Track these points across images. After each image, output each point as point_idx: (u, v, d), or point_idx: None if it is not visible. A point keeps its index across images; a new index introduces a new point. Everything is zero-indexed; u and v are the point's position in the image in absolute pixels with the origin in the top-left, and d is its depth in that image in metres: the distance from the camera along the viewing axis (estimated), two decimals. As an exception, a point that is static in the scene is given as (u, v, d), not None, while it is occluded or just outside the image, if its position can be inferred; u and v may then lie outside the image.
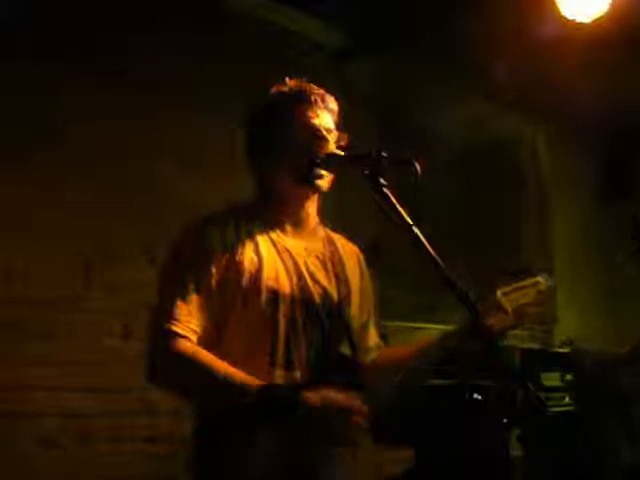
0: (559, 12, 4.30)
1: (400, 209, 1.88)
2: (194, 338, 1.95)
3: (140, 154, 3.76)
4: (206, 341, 1.98)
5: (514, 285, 2.23)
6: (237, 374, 1.91)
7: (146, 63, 3.81)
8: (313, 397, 1.87)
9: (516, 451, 3.68)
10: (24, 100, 3.43)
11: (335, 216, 2.35)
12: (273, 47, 4.26)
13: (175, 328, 1.92)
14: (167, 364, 1.94)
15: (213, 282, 1.98)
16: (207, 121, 3.94)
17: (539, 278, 2.29)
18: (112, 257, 3.62)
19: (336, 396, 1.88)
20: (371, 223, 4.59)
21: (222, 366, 1.92)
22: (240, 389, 1.89)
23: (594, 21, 4.29)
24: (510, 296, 2.20)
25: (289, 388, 1.93)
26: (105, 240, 3.60)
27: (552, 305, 5.76)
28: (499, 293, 2.19)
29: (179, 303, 1.94)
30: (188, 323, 1.94)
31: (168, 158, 3.84)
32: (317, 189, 2.12)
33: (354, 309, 2.20)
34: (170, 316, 1.93)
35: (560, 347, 4.91)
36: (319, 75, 2.27)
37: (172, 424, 3.58)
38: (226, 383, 1.90)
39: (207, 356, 1.93)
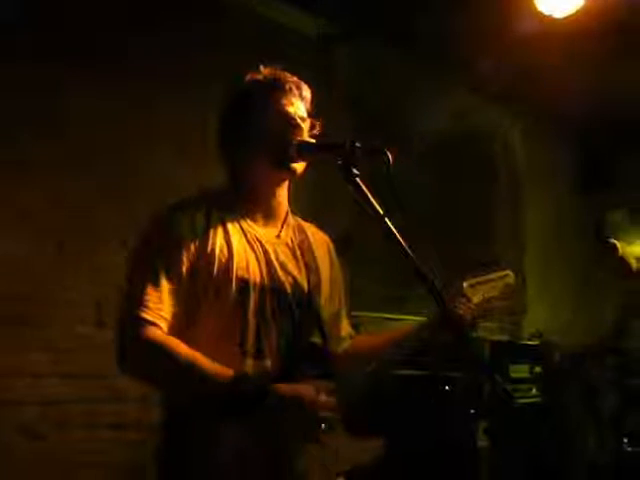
0: (536, 8, 4.33)
1: (372, 200, 1.89)
2: (164, 325, 1.93)
3: (136, 142, 3.76)
4: (176, 329, 1.97)
5: (481, 278, 2.27)
6: (208, 364, 1.90)
7: (145, 60, 3.79)
8: (283, 387, 1.89)
9: (483, 442, 3.71)
10: (24, 100, 3.41)
11: (308, 205, 2.34)
12: (261, 35, 4.26)
13: (145, 315, 1.90)
14: (136, 352, 1.92)
15: (183, 269, 1.97)
16: (204, 111, 3.93)
17: (507, 271, 2.32)
18: (89, 244, 3.60)
19: (304, 390, 1.90)
20: (344, 213, 4.60)
21: (193, 356, 1.91)
22: (210, 380, 1.89)
23: (572, 16, 4.33)
24: (476, 288, 2.23)
25: (259, 378, 1.92)
26: (84, 228, 3.58)
27: (520, 298, 5.82)
28: (466, 285, 2.22)
29: (149, 289, 1.92)
30: (158, 310, 1.92)
31: (165, 148, 3.84)
32: (292, 172, 2.10)
33: (324, 298, 2.20)
34: (140, 302, 1.91)
35: (529, 339, 4.95)
36: (302, 64, 2.25)
37: (140, 411, 3.58)
38: (196, 373, 1.90)
39: (178, 345, 1.92)
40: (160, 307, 1.93)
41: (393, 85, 5.17)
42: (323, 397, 1.91)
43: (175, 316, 1.96)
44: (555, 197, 6.69)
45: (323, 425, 1.92)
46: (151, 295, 1.92)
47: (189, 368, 1.90)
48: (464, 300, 2.18)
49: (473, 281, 2.24)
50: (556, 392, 4.56)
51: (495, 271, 2.31)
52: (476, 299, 2.21)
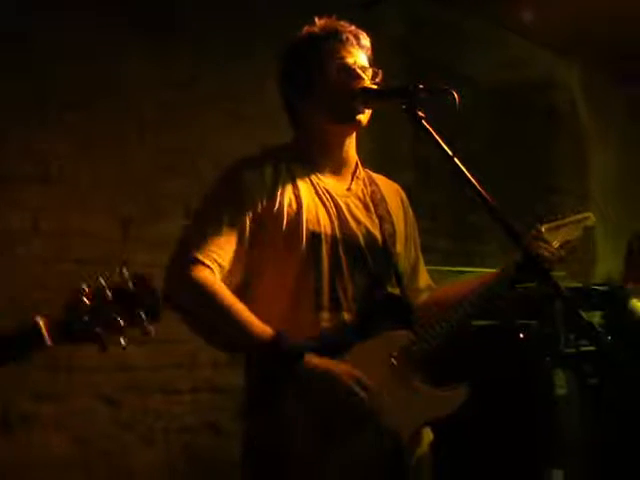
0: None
1: (440, 140, 1.85)
2: (217, 270, 1.92)
3: (181, 112, 3.75)
4: (250, 284, 1.99)
5: (560, 221, 2.20)
6: (249, 317, 1.89)
7: (191, 22, 3.79)
8: (317, 361, 1.86)
9: (561, 390, 3.66)
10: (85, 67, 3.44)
11: (371, 160, 2.31)
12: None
13: (198, 255, 1.90)
14: (183, 288, 1.92)
15: (247, 222, 1.96)
16: (241, 73, 3.91)
17: (587, 213, 2.25)
18: (152, 213, 3.63)
19: (340, 370, 1.86)
20: (404, 170, 4.56)
21: (235, 304, 1.90)
22: (246, 332, 1.88)
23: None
24: (556, 232, 2.16)
25: (296, 346, 1.88)
26: (144, 196, 3.61)
27: (590, 246, 5.71)
28: (545, 228, 2.16)
29: (208, 235, 1.93)
30: (213, 253, 1.92)
31: (208, 113, 3.82)
32: (357, 124, 2.08)
33: (400, 248, 2.17)
34: (196, 244, 1.92)
35: (600, 285, 4.83)
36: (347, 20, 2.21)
37: (213, 375, 3.63)
38: (234, 321, 1.89)
39: (225, 292, 1.91)
40: (216, 252, 1.92)
41: (444, 37, 5.08)
42: (363, 379, 1.87)
43: (239, 268, 1.97)
44: (617, 143, 6.53)
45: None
46: (209, 239, 1.92)
47: (229, 315, 1.89)
48: (544, 244, 2.11)
49: (552, 225, 2.17)
50: (631, 338, 4.46)
51: (575, 213, 2.24)
52: (556, 243, 2.14)
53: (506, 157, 5.45)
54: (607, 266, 5.87)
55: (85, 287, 1.55)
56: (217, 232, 1.94)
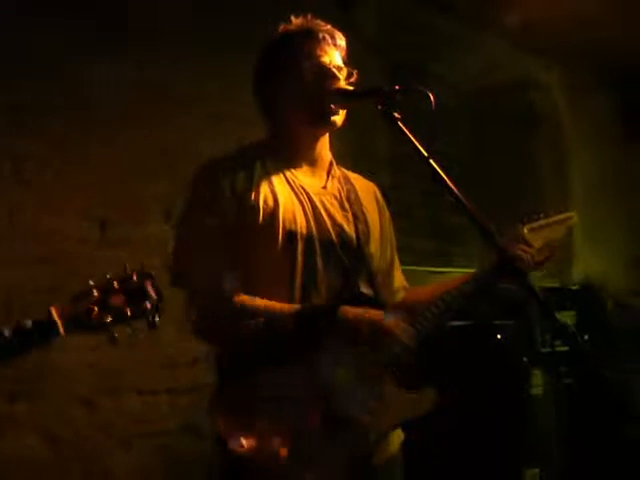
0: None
1: (416, 142, 1.85)
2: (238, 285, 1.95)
3: (159, 112, 3.70)
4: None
5: (542, 221, 2.19)
6: (279, 304, 1.95)
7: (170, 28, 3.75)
8: (353, 310, 1.92)
9: (537, 389, 3.68)
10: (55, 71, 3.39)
11: (346, 165, 2.30)
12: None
13: (225, 285, 1.91)
14: (227, 321, 1.96)
15: (229, 224, 1.96)
16: (221, 75, 3.89)
17: (570, 213, 2.25)
18: (129, 213, 3.59)
19: (378, 315, 1.91)
20: (382, 172, 4.56)
21: (268, 303, 1.96)
22: (285, 314, 1.92)
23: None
24: (537, 232, 2.16)
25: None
26: (121, 196, 3.57)
27: (567, 246, 5.75)
28: (526, 229, 2.15)
29: (213, 257, 1.93)
30: (229, 276, 1.92)
31: (186, 115, 3.80)
32: (332, 126, 2.08)
33: (375, 248, 2.16)
34: (214, 274, 1.91)
35: (578, 285, 4.87)
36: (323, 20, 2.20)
37: (192, 375, 3.60)
38: (275, 315, 1.93)
39: (255, 301, 1.96)
40: (228, 273, 1.93)
41: (422, 39, 5.08)
42: (401, 324, 1.91)
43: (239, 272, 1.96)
44: (598, 145, 6.56)
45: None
46: (217, 264, 1.92)
47: (270, 314, 1.93)
48: (524, 246, 2.11)
49: (534, 225, 2.17)
50: (606, 338, 4.50)
51: (557, 213, 2.23)
52: (537, 244, 2.13)
53: (486, 159, 5.45)
54: (585, 266, 5.91)
55: (93, 282, 1.66)
56: (216, 248, 1.95)
